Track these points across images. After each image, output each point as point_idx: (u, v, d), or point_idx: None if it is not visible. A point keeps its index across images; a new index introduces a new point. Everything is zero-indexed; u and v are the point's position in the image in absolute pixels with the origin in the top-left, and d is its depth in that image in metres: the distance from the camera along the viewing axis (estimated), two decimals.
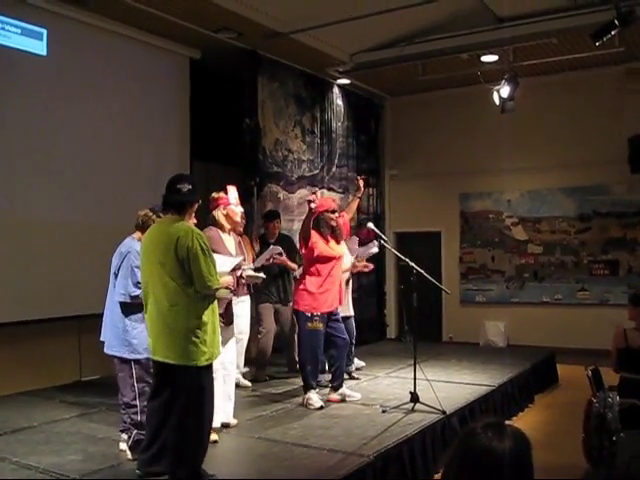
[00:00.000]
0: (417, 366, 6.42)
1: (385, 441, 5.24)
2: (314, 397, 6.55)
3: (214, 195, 5.87)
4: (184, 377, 4.26)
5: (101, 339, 5.32)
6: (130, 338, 5.07)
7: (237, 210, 5.91)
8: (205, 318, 4.29)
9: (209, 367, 4.43)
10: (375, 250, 7.73)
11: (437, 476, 5.52)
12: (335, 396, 6.77)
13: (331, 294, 6.61)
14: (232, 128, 9.69)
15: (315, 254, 6.53)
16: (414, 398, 6.29)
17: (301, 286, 6.62)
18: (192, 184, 4.41)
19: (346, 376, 7.71)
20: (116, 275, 5.15)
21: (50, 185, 7.67)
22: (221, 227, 5.76)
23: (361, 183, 7.58)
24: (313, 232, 6.56)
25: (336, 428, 5.74)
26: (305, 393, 6.62)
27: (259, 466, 4.82)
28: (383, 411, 6.24)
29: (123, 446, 5.05)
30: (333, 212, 6.75)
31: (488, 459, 1.78)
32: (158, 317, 4.29)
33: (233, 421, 5.80)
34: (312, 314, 6.49)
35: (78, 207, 7.94)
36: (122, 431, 5.12)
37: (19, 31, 7.38)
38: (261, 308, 8.07)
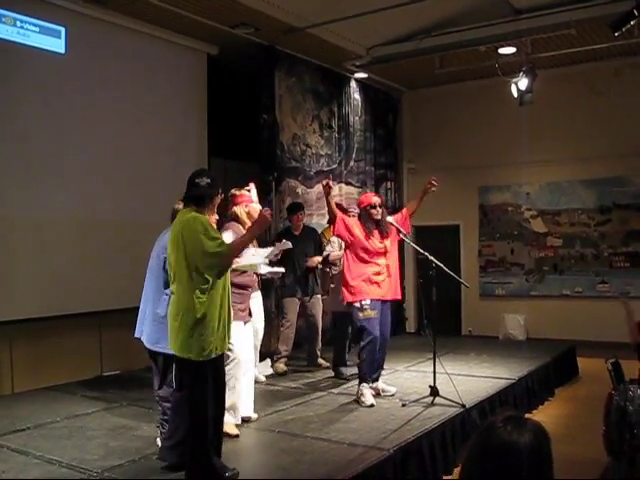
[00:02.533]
0: (436, 360, 6.41)
1: (405, 435, 5.24)
2: (367, 393, 6.46)
3: (235, 192, 5.90)
4: (186, 370, 4.29)
5: (137, 336, 5.25)
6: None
7: (258, 208, 5.93)
8: (206, 310, 4.24)
9: (213, 361, 4.36)
10: None
11: (457, 470, 5.52)
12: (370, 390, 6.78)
13: (382, 284, 6.58)
14: (249, 124, 9.71)
15: (353, 240, 6.58)
16: (434, 392, 6.29)
17: (344, 276, 6.64)
18: (211, 178, 4.42)
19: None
20: (165, 269, 5.06)
21: (68, 182, 7.73)
22: (242, 223, 5.79)
23: (433, 186, 7.00)
24: (355, 222, 6.67)
25: (356, 422, 5.76)
26: (359, 385, 6.53)
27: (280, 460, 4.84)
28: (403, 405, 6.25)
29: (159, 441, 5.04)
30: (374, 207, 6.77)
31: (508, 453, 1.78)
32: (171, 308, 4.34)
33: (254, 415, 5.84)
34: (361, 303, 6.47)
35: (97, 204, 7.99)
36: (158, 426, 5.12)
37: (37, 29, 7.43)
38: (285, 302, 8.11)
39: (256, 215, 5.82)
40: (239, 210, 5.82)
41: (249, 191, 5.91)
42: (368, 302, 6.47)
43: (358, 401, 6.43)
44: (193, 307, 4.20)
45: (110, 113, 8.16)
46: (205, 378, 4.30)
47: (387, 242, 6.77)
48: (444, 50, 10.20)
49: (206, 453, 4.26)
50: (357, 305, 6.49)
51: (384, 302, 6.63)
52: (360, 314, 6.48)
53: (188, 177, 4.46)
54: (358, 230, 6.61)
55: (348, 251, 6.68)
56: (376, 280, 6.56)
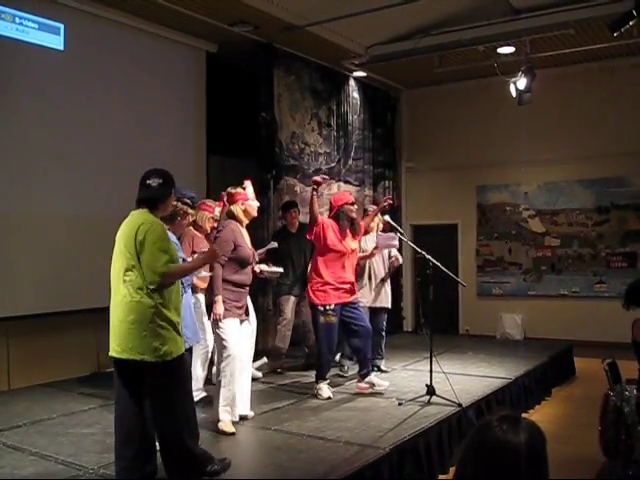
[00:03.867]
0: (433, 359, 6.41)
1: (401, 434, 5.24)
2: (324, 387, 6.64)
3: (231, 190, 5.88)
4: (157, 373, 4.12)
5: None
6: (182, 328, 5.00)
7: (254, 205, 5.96)
8: (167, 311, 4.10)
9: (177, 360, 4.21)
10: (395, 243, 7.66)
11: (453, 469, 5.52)
12: (363, 384, 6.79)
13: (343, 286, 6.64)
14: (248, 122, 9.70)
15: (326, 245, 6.58)
16: (430, 391, 6.29)
17: (312, 278, 6.67)
18: (163, 178, 4.27)
19: (376, 370, 7.75)
20: None
21: (66, 179, 7.72)
22: (240, 222, 5.81)
23: (386, 204, 7.26)
24: (330, 223, 6.64)
25: (352, 420, 5.75)
26: (317, 383, 6.69)
27: (275, 458, 4.83)
28: (399, 404, 6.25)
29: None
30: (352, 204, 6.78)
31: (503, 452, 1.79)
32: (122, 310, 4.11)
33: (250, 413, 5.84)
34: (325, 307, 6.52)
35: (94, 200, 7.98)
36: None
37: (36, 26, 7.42)
38: (282, 300, 8.11)
39: (252, 212, 5.90)
40: (235, 208, 5.82)
41: (244, 189, 5.90)
42: (332, 307, 6.53)
43: (316, 396, 6.59)
44: (152, 306, 4.06)
45: (108, 110, 8.15)
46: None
47: (355, 243, 6.81)
48: (443, 49, 10.21)
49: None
50: (320, 309, 6.53)
51: (351, 302, 6.72)
52: (322, 318, 6.53)
53: (140, 178, 4.32)
54: (332, 233, 6.62)
55: (318, 254, 6.67)
56: (344, 283, 6.64)
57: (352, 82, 11.64)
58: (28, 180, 7.34)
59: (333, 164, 11.10)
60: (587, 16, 8.79)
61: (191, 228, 6.19)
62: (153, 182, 4.23)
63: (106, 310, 7.25)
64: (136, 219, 4.19)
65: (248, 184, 5.96)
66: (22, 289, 7.26)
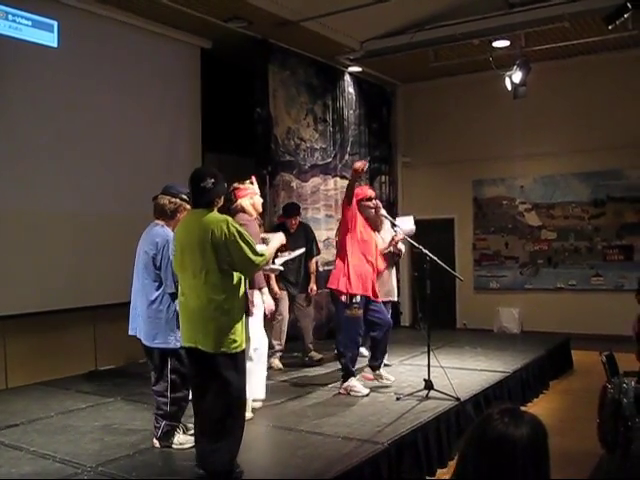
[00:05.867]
0: (431, 353, 6.42)
1: (399, 428, 5.25)
2: (358, 384, 6.54)
3: (238, 185, 5.99)
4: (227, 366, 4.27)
5: (131, 333, 5.23)
6: (176, 327, 5.01)
7: (260, 200, 6.13)
8: (239, 309, 4.36)
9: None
10: (412, 226, 7.60)
11: (451, 462, 5.53)
12: (369, 375, 6.79)
13: (369, 279, 6.57)
14: (243, 118, 9.69)
15: (354, 230, 6.53)
16: (428, 385, 6.29)
17: (341, 268, 6.54)
18: (214, 176, 4.41)
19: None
20: (157, 266, 5.03)
21: (63, 177, 7.70)
22: (249, 214, 5.93)
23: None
24: (358, 216, 6.60)
25: (350, 416, 5.76)
26: (345, 381, 6.57)
27: (274, 454, 4.84)
28: (397, 398, 6.24)
29: (156, 442, 5.00)
30: (369, 199, 6.76)
31: (504, 445, 1.78)
32: (200, 309, 4.28)
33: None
34: (351, 301, 6.44)
35: (91, 198, 7.97)
36: (155, 423, 5.06)
37: (30, 23, 7.39)
38: (278, 297, 8.11)
39: (259, 206, 6.06)
40: (245, 202, 5.92)
41: (252, 184, 6.04)
42: (358, 299, 6.46)
43: (349, 394, 6.46)
44: (234, 303, 4.30)
45: (102, 107, 8.12)
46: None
47: (375, 235, 6.79)
48: (438, 43, 10.20)
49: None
50: (346, 302, 6.45)
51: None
52: (347, 311, 6.47)
53: (190, 179, 4.42)
54: (362, 220, 6.60)
55: (350, 240, 6.54)
56: (366, 273, 6.56)
57: (347, 77, 11.62)
58: (23, 178, 7.32)
59: (329, 159, 11.09)
60: (582, 9, 8.78)
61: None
62: (207, 184, 4.37)
63: (104, 308, 7.24)
64: (204, 220, 4.32)
65: (254, 180, 6.10)
66: (20, 287, 7.24)
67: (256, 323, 5.78)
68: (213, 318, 4.21)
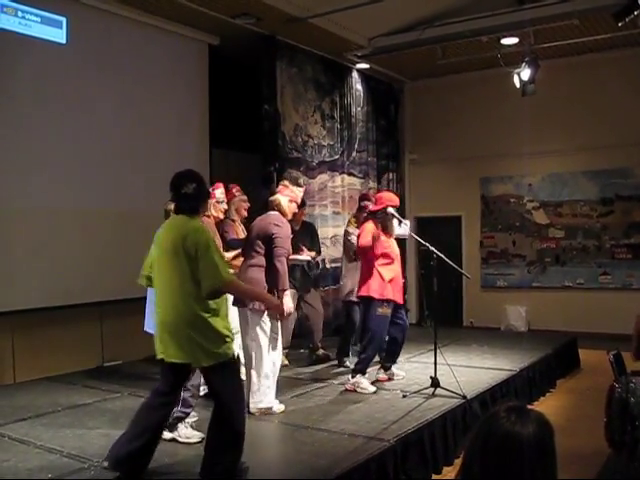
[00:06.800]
0: (438, 351, 6.41)
1: (406, 426, 5.24)
2: (365, 382, 6.55)
3: (287, 184, 6.10)
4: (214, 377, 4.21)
5: (147, 330, 5.22)
6: None
7: (295, 208, 6.20)
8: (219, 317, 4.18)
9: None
10: (404, 231, 7.67)
11: (457, 460, 5.52)
12: (383, 375, 6.81)
13: (397, 284, 6.65)
14: (251, 114, 9.69)
15: (384, 244, 6.57)
16: (435, 383, 6.29)
17: (373, 273, 6.55)
18: (196, 181, 4.23)
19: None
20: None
21: (70, 173, 7.72)
22: (283, 214, 5.95)
23: None
24: (370, 228, 6.59)
25: (357, 413, 5.75)
26: (353, 377, 6.58)
27: (280, 451, 4.84)
28: (404, 396, 6.24)
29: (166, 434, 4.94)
30: (397, 209, 6.80)
31: (511, 443, 1.77)
32: (176, 321, 4.13)
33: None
34: (383, 300, 6.49)
35: (98, 194, 7.98)
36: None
37: (39, 20, 7.41)
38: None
39: (290, 213, 5.99)
40: (284, 200, 5.91)
41: (300, 192, 6.13)
42: (388, 301, 6.54)
43: (356, 390, 6.47)
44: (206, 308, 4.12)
45: (111, 103, 8.14)
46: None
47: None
48: (446, 40, 10.18)
49: None
50: (379, 301, 6.49)
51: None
52: (380, 310, 6.50)
53: (171, 184, 4.25)
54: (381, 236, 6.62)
55: (375, 248, 6.55)
56: (395, 277, 6.64)
57: (355, 74, 11.61)
58: (31, 174, 7.34)
59: (337, 156, 11.09)
60: (591, 6, 8.75)
61: (207, 219, 6.20)
62: (188, 189, 4.18)
63: (111, 304, 7.26)
64: (181, 224, 4.19)
65: (303, 188, 6.26)
66: (27, 283, 7.27)
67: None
68: (191, 330, 4.06)
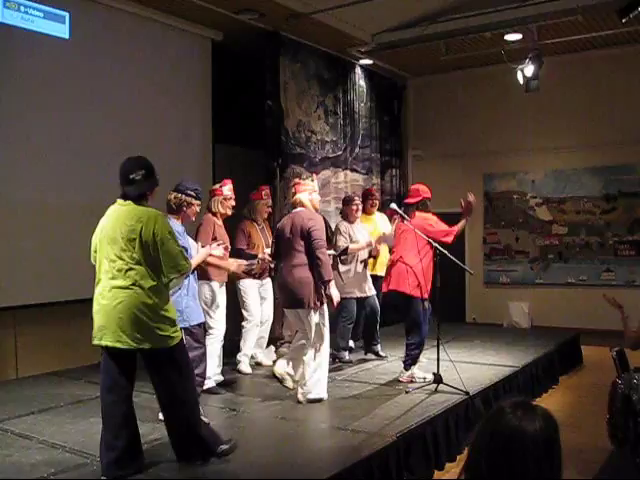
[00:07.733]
0: (440, 347, 6.40)
1: (408, 422, 5.24)
2: (419, 372, 6.71)
3: (299, 180, 6.36)
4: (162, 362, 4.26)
5: None
6: (182, 308, 5.20)
7: (318, 198, 6.37)
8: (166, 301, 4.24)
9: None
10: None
11: (460, 457, 5.53)
12: (406, 377, 6.77)
13: (429, 281, 6.70)
14: (254, 110, 9.67)
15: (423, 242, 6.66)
16: (437, 379, 6.29)
17: (417, 270, 6.57)
18: (145, 168, 4.26)
19: (372, 355, 7.80)
20: None
21: (72, 168, 7.72)
22: (309, 210, 6.12)
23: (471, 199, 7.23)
24: (423, 218, 6.83)
25: (359, 408, 5.75)
26: (408, 370, 6.69)
27: (282, 447, 4.84)
28: (406, 392, 6.25)
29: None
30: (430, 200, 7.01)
31: (517, 439, 1.77)
32: (124, 301, 4.19)
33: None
34: (423, 297, 6.58)
35: (102, 189, 7.92)
36: None
37: (42, 15, 7.40)
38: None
39: (317, 204, 6.24)
40: (304, 197, 6.05)
41: (312, 181, 6.27)
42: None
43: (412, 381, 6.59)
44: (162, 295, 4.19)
45: (113, 99, 8.13)
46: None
47: None
48: (450, 36, 10.15)
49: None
50: (420, 298, 6.56)
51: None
52: (422, 305, 6.59)
53: (120, 169, 4.28)
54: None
55: (418, 245, 6.63)
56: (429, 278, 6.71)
57: (358, 70, 11.60)
58: (34, 169, 7.34)
59: (340, 152, 11.07)
60: (595, 2, 8.71)
61: (210, 215, 6.45)
62: (137, 175, 4.21)
63: None
64: (135, 213, 4.19)
65: (315, 177, 6.45)
66: (30, 278, 7.27)
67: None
68: (137, 314, 4.11)
